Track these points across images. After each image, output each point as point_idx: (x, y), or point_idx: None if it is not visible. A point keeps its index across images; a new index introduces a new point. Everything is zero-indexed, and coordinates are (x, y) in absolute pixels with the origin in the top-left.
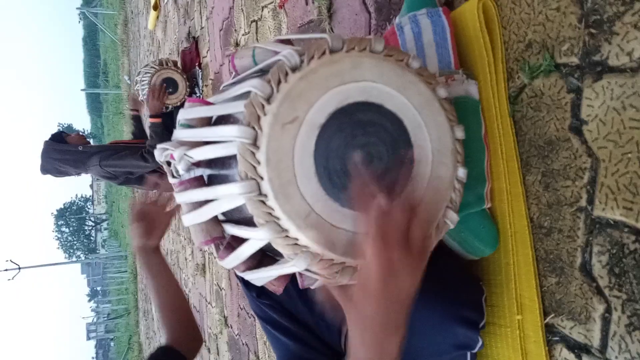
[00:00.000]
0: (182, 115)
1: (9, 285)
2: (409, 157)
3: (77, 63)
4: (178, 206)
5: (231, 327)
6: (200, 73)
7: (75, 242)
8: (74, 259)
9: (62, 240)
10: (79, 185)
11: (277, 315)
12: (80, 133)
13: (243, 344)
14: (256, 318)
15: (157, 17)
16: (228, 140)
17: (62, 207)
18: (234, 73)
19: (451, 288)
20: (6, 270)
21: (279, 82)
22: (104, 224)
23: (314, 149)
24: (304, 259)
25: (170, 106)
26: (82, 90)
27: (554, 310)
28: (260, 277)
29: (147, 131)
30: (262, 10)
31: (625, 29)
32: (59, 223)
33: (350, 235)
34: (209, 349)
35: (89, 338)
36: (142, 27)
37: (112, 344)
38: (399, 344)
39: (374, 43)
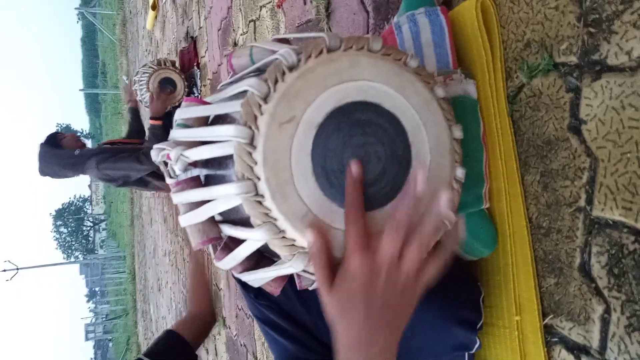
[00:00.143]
0: (179, 115)
1: (8, 286)
2: (407, 157)
3: (75, 63)
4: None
5: (229, 328)
6: (198, 73)
7: (73, 243)
8: (73, 259)
9: (60, 240)
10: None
11: (275, 316)
12: (78, 133)
13: (241, 344)
14: (254, 319)
15: (156, 17)
16: (225, 140)
17: (61, 207)
18: (231, 73)
19: (449, 288)
20: (4, 270)
21: (276, 81)
22: (103, 225)
23: (311, 148)
24: (301, 260)
25: (168, 106)
26: (80, 90)
27: (552, 311)
28: (258, 278)
29: (147, 132)
30: (260, 10)
31: (624, 28)
32: (58, 223)
33: None
34: (207, 349)
35: (87, 339)
36: (141, 27)
37: (110, 344)
38: None
39: (371, 42)
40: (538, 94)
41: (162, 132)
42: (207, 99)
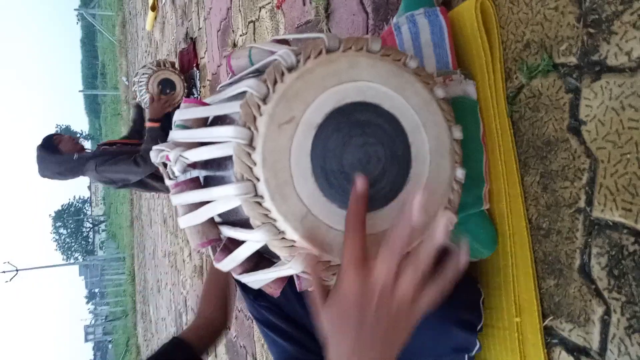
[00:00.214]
0: (178, 116)
1: (7, 287)
2: (407, 157)
3: (75, 64)
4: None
5: (229, 330)
6: (197, 74)
7: (73, 244)
8: (72, 260)
9: (60, 242)
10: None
11: (274, 317)
12: (78, 134)
13: (241, 346)
14: (254, 320)
15: (155, 18)
16: (224, 141)
17: (60, 208)
18: (230, 74)
19: (449, 290)
20: (4, 272)
21: (275, 82)
22: (102, 226)
23: (310, 149)
24: (300, 261)
25: (168, 109)
26: (80, 91)
27: (552, 312)
28: (257, 279)
29: (145, 134)
30: (260, 10)
31: (624, 29)
32: (57, 225)
33: None
34: (207, 351)
35: (86, 340)
36: (140, 28)
37: (110, 346)
38: None
39: (370, 43)
40: (537, 95)
41: (159, 135)
42: (206, 100)
